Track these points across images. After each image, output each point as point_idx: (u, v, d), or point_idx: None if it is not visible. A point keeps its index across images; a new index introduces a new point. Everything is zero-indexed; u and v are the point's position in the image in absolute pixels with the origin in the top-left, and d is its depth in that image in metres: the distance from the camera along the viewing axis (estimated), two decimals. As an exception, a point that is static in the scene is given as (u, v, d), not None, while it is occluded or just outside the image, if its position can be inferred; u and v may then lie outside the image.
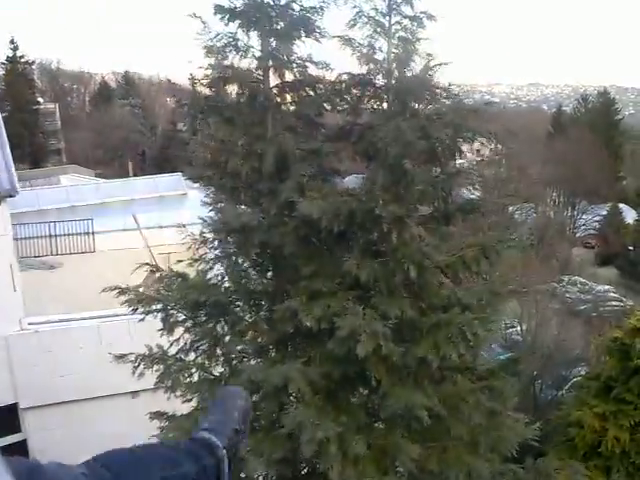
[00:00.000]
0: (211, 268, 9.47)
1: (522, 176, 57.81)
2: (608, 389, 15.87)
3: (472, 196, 10.50)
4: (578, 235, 55.95)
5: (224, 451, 1.66)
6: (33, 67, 56.15)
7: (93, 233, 21.88)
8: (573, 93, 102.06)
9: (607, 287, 46.37)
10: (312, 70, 9.01)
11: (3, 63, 53.11)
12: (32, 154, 52.33)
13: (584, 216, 54.05)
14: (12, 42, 52.90)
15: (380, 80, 8.40)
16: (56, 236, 21.84)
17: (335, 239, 8.40)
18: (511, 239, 8.81)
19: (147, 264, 9.20)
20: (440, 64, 8.00)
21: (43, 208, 25.83)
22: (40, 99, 60.27)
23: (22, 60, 53.91)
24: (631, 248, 51.85)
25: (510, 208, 47.17)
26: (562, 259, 53.32)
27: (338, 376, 8.24)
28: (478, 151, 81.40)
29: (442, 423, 8.31)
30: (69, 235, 21.91)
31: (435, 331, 7.92)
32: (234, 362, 9.57)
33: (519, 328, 35.17)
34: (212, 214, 8.48)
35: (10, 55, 53.17)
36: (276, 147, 8.04)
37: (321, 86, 8.98)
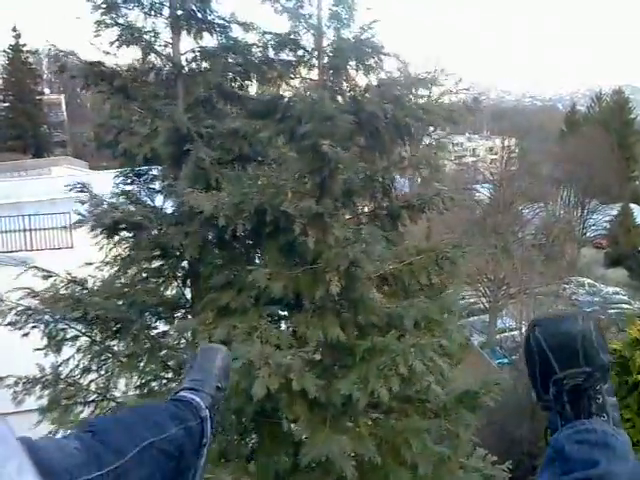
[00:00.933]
0: (124, 272, 7.72)
1: (533, 174, 55.64)
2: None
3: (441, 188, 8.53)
4: (588, 235, 53.51)
5: (207, 411, 1.62)
6: (40, 56, 54.07)
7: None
8: (588, 92, 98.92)
9: (616, 289, 44.06)
10: (237, 33, 7.23)
11: (4, 51, 51.06)
12: (35, 145, 50.73)
13: (594, 216, 51.56)
14: (14, 30, 50.69)
15: (309, 42, 6.55)
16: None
17: (250, 242, 6.63)
18: (468, 245, 6.90)
19: (35, 267, 7.42)
20: (376, 21, 6.09)
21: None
22: (46, 90, 58.70)
23: (25, 49, 51.85)
24: (641, 249, 49.50)
25: (520, 207, 45.28)
26: (570, 259, 51.02)
27: (251, 413, 6.46)
28: (491, 149, 79.10)
29: (378, 472, 6.50)
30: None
31: (368, 359, 6.11)
32: (151, 384, 7.83)
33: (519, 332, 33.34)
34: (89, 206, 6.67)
35: (12, 44, 51.03)
36: (170, 125, 6.21)
37: (246, 52, 7.15)
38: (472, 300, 37.16)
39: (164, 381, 7.89)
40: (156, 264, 7.27)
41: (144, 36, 6.83)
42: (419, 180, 6.97)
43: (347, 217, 6.63)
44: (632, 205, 57.78)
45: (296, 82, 6.83)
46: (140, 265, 7.37)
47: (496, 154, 63.47)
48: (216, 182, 6.63)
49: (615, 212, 54.70)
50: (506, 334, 34.90)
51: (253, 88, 7.48)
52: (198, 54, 7.13)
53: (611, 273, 50.97)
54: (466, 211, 39.42)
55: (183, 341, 7.43)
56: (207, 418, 1.60)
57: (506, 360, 32.41)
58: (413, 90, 6.27)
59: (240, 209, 5.81)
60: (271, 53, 6.98)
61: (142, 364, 7.48)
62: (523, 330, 35.26)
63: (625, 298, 41.85)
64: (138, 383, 7.65)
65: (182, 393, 1.67)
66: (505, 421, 20.20)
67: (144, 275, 7.46)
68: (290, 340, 5.99)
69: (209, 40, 7.21)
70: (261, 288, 6.14)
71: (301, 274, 6.28)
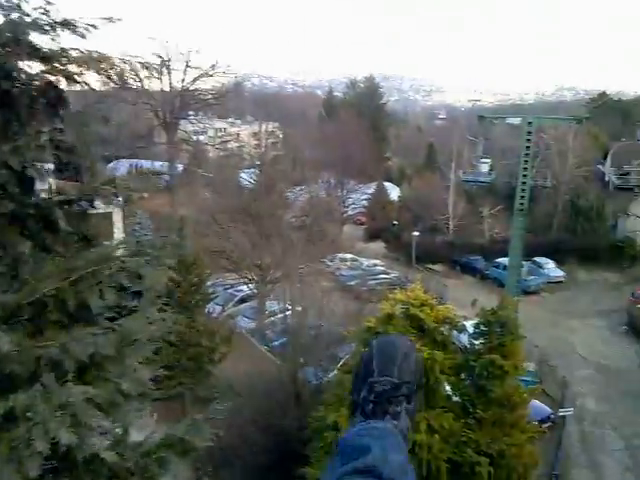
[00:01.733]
0: None
1: (296, 158, 56.92)
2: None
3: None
4: (349, 213, 56.23)
5: None
6: None
7: None
8: (345, 79, 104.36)
9: (375, 261, 46.95)
10: None
11: None
12: None
13: (353, 195, 54.38)
14: None
15: None
16: None
17: None
18: (162, 249, 5.28)
19: None
20: None
21: None
22: None
23: None
24: (395, 222, 53.26)
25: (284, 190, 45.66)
26: (333, 238, 53.24)
27: None
28: (255, 134, 78.77)
29: None
30: None
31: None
32: None
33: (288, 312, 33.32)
34: None
35: None
36: None
37: None
38: (243, 288, 36.46)
39: None
40: None
41: None
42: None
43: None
44: (386, 183, 62.31)
45: None
46: None
47: (260, 139, 63.85)
48: None
49: (371, 190, 58.43)
50: (274, 318, 34.79)
51: None
52: None
53: (371, 246, 54.43)
54: (231, 197, 38.53)
55: None
56: None
57: (276, 343, 32.26)
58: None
59: None
60: None
61: None
62: (289, 312, 35.41)
63: (383, 269, 44.74)
64: None
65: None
66: (271, 412, 19.53)
67: None
68: None
69: None
70: None
71: None
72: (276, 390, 20.07)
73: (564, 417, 21.41)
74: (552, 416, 24.15)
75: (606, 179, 50.38)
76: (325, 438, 14.01)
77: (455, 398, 13.95)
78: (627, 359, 29.48)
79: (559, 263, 41.41)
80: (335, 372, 20.36)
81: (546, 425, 23.88)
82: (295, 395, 19.65)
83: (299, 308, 36.58)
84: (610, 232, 43.67)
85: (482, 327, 13.90)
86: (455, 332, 32.70)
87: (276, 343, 33.11)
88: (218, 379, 21.14)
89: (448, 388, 13.86)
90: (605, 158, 51.11)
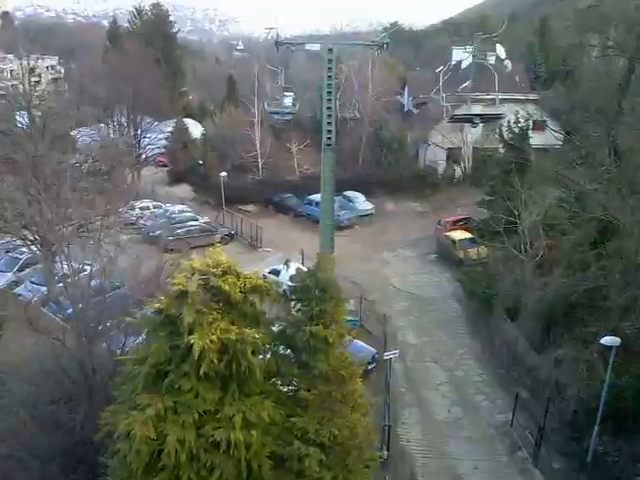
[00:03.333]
0: None
1: (81, 95, 49.28)
2: (160, 377, 10.38)
3: None
4: (148, 155, 50.61)
5: None
6: None
7: None
8: (132, 9, 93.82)
9: (181, 207, 42.67)
10: None
11: None
12: None
13: (149, 134, 48.63)
14: None
15: None
16: None
17: None
18: None
19: None
20: None
21: None
22: None
23: None
24: (201, 163, 49.06)
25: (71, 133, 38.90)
26: (131, 183, 47.63)
27: None
28: (32, 70, 67.57)
29: None
30: None
31: None
32: None
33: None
34: None
35: None
36: None
37: None
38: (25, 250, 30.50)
39: None
40: None
41: None
42: None
43: None
44: (186, 120, 57.04)
45: None
46: None
47: (39, 75, 54.53)
48: None
49: (170, 129, 53.06)
50: (68, 282, 29.62)
51: None
52: None
53: (176, 191, 49.73)
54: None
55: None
56: None
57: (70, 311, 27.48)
58: None
59: None
60: None
61: None
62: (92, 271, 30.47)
63: (191, 214, 40.78)
64: None
65: None
66: (60, 407, 15.51)
67: None
68: None
69: None
70: None
71: None
72: (63, 376, 15.89)
73: (390, 360, 20.25)
74: (376, 356, 23.16)
75: (405, 109, 50.88)
76: (119, 450, 10.55)
77: (275, 380, 11.33)
78: (439, 288, 29.67)
79: (368, 196, 40.95)
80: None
81: (372, 366, 22.90)
82: (85, 382, 15.64)
83: (95, 267, 31.68)
84: (412, 162, 44.19)
85: (299, 293, 11.20)
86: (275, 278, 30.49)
87: (70, 311, 28.28)
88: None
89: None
90: (403, 88, 51.43)
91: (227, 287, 10.11)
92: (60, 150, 32.50)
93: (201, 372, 9.73)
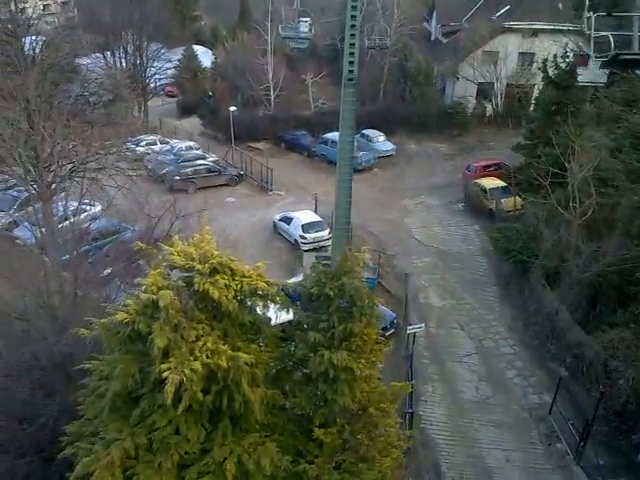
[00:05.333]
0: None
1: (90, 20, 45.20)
2: (131, 400, 7.86)
3: None
4: (157, 85, 46.93)
5: None
6: None
7: None
8: None
9: (189, 143, 39.48)
10: None
11: None
12: None
13: (156, 63, 44.66)
14: None
15: None
16: None
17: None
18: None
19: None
20: None
21: None
22: None
23: None
24: (211, 94, 45.41)
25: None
26: (138, 117, 44.31)
27: None
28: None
29: None
30: None
31: None
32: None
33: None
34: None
35: None
36: None
37: None
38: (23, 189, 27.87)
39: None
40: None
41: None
42: None
43: None
44: (196, 47, 52.85)
45: None
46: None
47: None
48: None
49: (179, 56, 49.09)
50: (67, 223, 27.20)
51: None
52: None
53: (185, 123, 46.49)
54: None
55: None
56: None
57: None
58: None
59: None
60: None
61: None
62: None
63: (199, 152, 37.69)
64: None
65: None
66: (33, 392, 13.22)
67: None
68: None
69: None
70: None
71: None
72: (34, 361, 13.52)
73: (414, 335, 17.75)
74: (395, 320, 20.71)
75: (432, 38, 46.29)
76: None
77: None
78: (466, 242, 26.74)
79: (389, 135, 37.30)
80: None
81: (390, 332, 20.49)
82: (60, 363, 13.19)
83: (97, 208, 29.09)
84: (439, 98, 40.18)
85: (315, 302, 8.29)
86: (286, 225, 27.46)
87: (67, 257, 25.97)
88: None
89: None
90: (431, 14, 46.60)
91: (216, 293, 7.36)
92: (55, 81, 29.14)
93: (180, 408, 7.15)
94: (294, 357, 8.29)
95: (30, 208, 28.89)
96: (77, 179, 26.40)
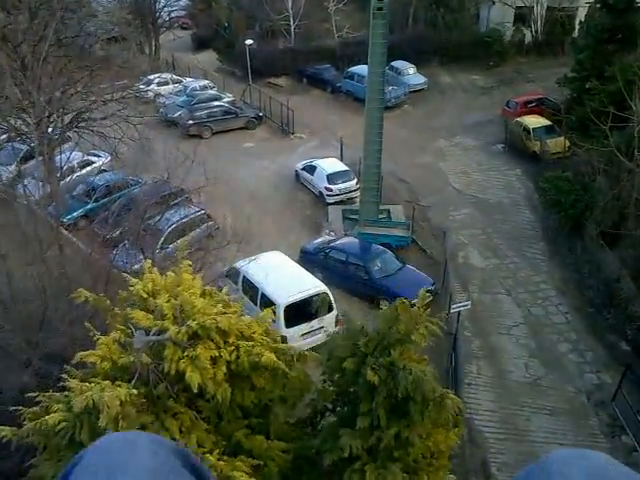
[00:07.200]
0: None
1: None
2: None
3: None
4: (166, 19, 43.11)
5: None
6: None
7: None
8: None
9: (204, 82, 36.24)
10: None
11: None
12: None
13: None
14: None
15: None
16: None
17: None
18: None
19: None
20: None
21: None
22: None
23: None
24: (226, 25, 41.61)
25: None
26: (150, 53, 40.89)
27: None
28: None
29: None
30: None
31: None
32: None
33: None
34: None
35: None
36: None
37: None
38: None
39: None
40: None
41: None
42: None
43: None
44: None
45: None
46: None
47: None
48: None
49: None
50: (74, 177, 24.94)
51: None
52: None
53: (200, 57, 43.08)
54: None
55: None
56: None
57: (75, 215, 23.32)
58: None
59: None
60: None
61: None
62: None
63: (215, 92, 34.62)
64: None
65: None
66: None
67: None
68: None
69: None
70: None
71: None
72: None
73: (459, 314, 15.34)
74: (433, 287, 18.29)
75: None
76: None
77: None
78: (509, 190, 23.76)
79: (420, 67, 33.50)
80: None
81: (427, 301, 18.07)
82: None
83: (102, 161, 26.63)
84: (474, 25, 35.86)
85: (350, 375, 5.81)
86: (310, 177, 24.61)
87: (74, 215, 23.88)
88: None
89: None
90: None
91: (197, 378, 4.90)
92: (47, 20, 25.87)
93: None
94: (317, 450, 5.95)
95: (33, 161, 26.54)
96: (79, 130, 23.89)
